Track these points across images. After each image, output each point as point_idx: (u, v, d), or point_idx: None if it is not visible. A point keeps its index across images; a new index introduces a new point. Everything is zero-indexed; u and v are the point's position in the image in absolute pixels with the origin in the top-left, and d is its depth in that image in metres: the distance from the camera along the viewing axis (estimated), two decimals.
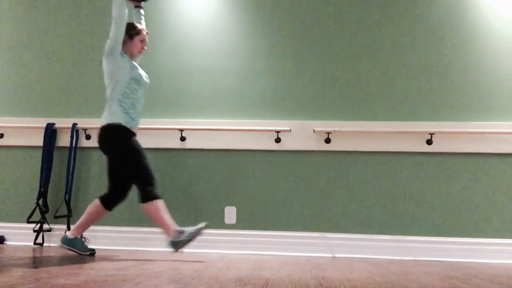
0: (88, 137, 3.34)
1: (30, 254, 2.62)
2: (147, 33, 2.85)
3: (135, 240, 3.18)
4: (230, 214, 3.18)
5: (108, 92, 2.69)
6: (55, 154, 3.37)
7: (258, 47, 3.37)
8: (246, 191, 3.22)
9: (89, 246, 2.76)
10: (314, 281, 1.87)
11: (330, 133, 3.17)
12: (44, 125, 3.32)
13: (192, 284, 1.71)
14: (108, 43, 2.65)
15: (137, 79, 2.71)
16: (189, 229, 2.51)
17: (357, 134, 3.18)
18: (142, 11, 3.01)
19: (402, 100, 3.23)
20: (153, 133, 3.27)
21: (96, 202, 2.70)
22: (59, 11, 3.56)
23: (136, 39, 2.79)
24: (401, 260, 2.92)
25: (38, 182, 3.34)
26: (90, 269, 2.06)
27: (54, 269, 2.01)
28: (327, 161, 3.21)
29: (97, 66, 3.46)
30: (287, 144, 3.22)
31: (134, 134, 2.67)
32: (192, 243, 2.52)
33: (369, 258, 3.01)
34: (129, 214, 3.25)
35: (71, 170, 3.26)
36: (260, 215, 3.19)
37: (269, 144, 3.22)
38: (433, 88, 3.23)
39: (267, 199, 3.20)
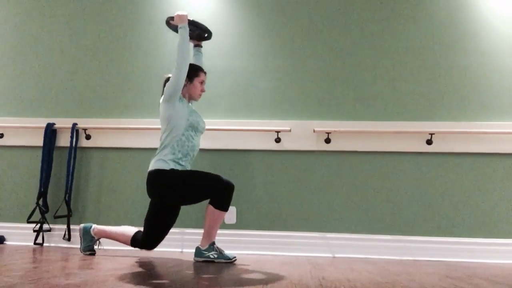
0: (88, 137, 3.34)
1: (30, 254, 2.62)
2: (205, 73, 2.72)
3: None
4: (230, 214, 3.18)
5: (162, 136, 2.56)
6: (55, 154, 3.37)
7: (258, 47, 3.37)
8: (246, 191, 3.22)
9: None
10: (314, 281, 1.87)
11: (330, 133, 3.17)
12: (44, 125, 3.32)
13: (191, 284, 1.71)
14: (169, 87, 2.48)
15: (195, 126, 2.58)
16: (223, 252, 2.53)
17: (357, 134, 3.18)
18: (202, 50, 2.88)
19: (402, 100, 3.23)
20: (152, 133, 3.27)
21: (131, 232, 2.62)
22: (60, 10, 3.57)
23: (196, 81, 2.66)
24: (401, 260, 2.92)
25: (38, 182, 3.34)
26: (90, 269, 2.06)
27: (54, 269, 2.01)
28: (327, 161, 3.21)
29: (97, 66, 3.46)
30: (287, 144, 3.22)
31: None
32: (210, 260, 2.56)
33: (369, 258, 3.01)
34: (129, 214, 3.26)
35: (71, 170, 3.26)
36: (260, 215, 3.19)
37: (269, 144, 3.22)
38: (433, 88, 3.22)
39: (267, 199, 3.20)
